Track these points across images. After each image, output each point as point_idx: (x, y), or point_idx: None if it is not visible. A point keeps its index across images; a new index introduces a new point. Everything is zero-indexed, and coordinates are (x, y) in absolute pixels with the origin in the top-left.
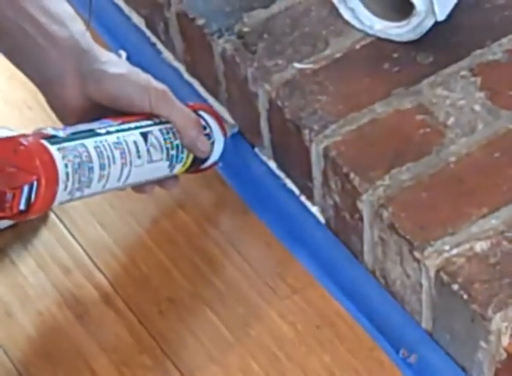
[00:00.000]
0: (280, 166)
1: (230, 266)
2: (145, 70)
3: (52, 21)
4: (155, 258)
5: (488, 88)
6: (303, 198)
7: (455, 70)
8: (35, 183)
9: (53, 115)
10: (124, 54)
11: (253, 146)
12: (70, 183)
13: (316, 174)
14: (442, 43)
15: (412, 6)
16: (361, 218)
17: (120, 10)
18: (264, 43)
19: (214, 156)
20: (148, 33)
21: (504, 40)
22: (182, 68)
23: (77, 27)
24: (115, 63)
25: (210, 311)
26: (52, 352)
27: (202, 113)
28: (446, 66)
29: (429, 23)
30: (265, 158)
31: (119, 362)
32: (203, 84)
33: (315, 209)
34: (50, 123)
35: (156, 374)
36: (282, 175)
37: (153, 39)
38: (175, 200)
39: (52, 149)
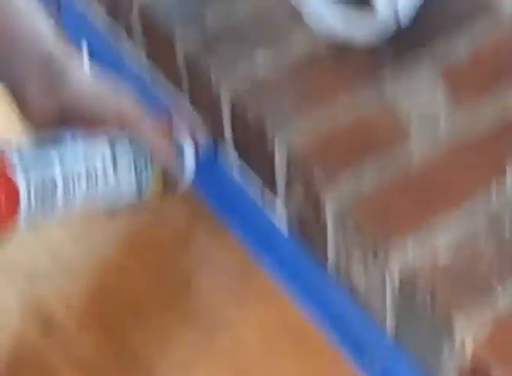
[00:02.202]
0: (244, 165)
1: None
2: (106, 63)
3: (26, 33)
4: (125, 270)
5: (451, 86)
6: (266, 199)
7: (418, 68)
8: None
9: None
10: (85, 47)
11: (216, 149)
12: (32, 201)
13: (280, 173)
14: (406, 42)
15: (375, 8)
16: (324, 219)
17: (83, 3)
18: (227, 41)
19: (186, 179)
20: (110, 26)
21: (467, 38)
22: (144, 63)
23: (50, 35)
24: (89, 81)
25: (180, 321)
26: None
27: (176, 133)
28: (410, 64)
29: (392, 23)
30: (228, 158)
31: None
32: (165, 80)
33: (279, 210)
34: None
35: None
36: (246, 175)
37: (116, 33)
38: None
39: (15, 166)
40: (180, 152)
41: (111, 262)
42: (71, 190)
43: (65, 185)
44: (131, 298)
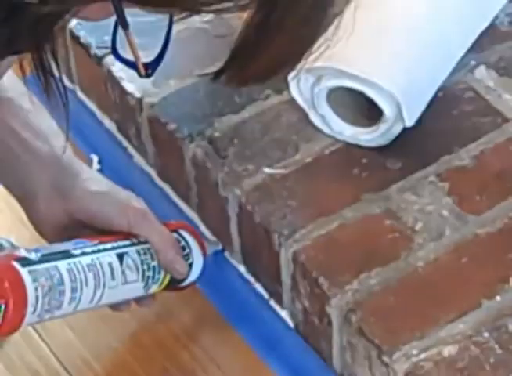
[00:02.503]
0: (250, 270)
1: None
2: (116, 174)
3: (35, 137)
4: (128, 369)
5: (455, 194)
6: (272, 302)
7: (423, 175)
8: (3, 307)
9: (24, 219)
10: (95, 158)
11: (223, 250)
12: (39, 306)
13: (285, 278)
14: (411, 148)
15: (381, 113)
16: (330, 323)
17: (93, 114)
18: (234, 148)
19: (192, 276)
20: (120, 137)
21: (471, 146)
22: (153, 172)
23: (60, 143)
24: (96, 181)
25: None
26: None
27: (182, 232)
28: (415, 171)
29: (398, 129)
30: (234, 262)
31: None
32: (174, 188)
33: (284, 313)
34: (21, 226)
35: None
36: (251, 279)
37: (125, 143)
38: (153, 312)
39: (23, 271)
40: (187, 250)
41: (116, 358)
42: (78, 292)
43: (72, 287)
44: None
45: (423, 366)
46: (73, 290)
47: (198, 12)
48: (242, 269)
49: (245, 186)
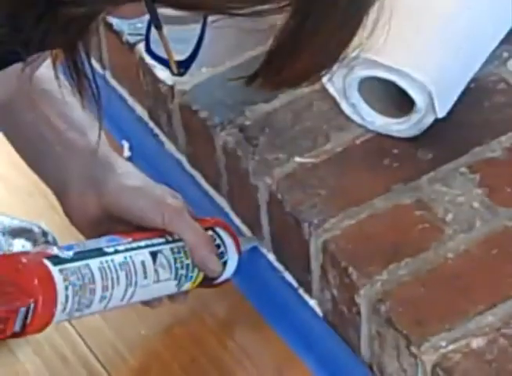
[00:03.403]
0: (279, 259)
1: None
2: (147, 161)
3: (71, 128)
4: (159, 358)
5: (486, 185)
6: (301, 291)
7: (454, 166)
8: (32, 305)
9: (55, 204)
10: (126, 145)
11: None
12: (69, 305)
13: (315, 267)
14: (442, 139)
15: (412, 103)
16: (358, 312)
17: (124, 101)
18: (265, 137)
19: (227, 273)
20: (151, 124)
21: (503, 137)
22: (183, 160)
23: (96, 135)
24: (131, 175)
25: None
26: None
27: (218, 229)
28: (446, 162)
29: (429, 119)
30: (264, 251)
31: None
32: (204, 175)
33: (313, 302)
34: (51, 211)
35: None
36: (281, 267)
37: (156, 130)
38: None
39: (54, 270)
40: (222, 248)
41: (147, 347)
42: (109, 291)
43: (104, 286)
44: None
45: (452, 357)
46: (105, 289)
47: (229, 14)
48: (271, 257)
49: (275, 174)
